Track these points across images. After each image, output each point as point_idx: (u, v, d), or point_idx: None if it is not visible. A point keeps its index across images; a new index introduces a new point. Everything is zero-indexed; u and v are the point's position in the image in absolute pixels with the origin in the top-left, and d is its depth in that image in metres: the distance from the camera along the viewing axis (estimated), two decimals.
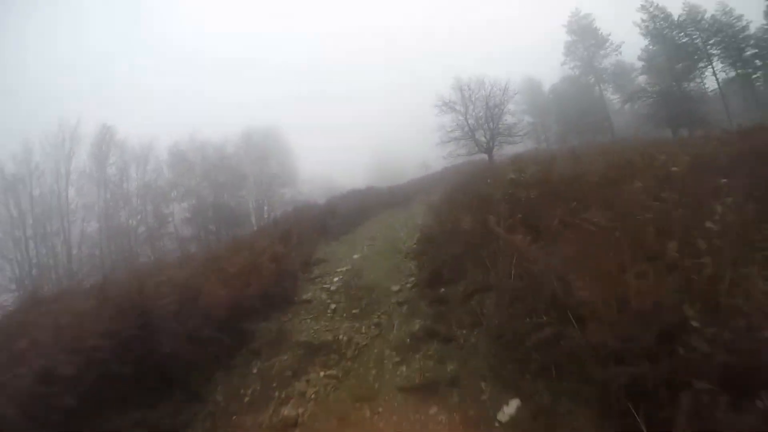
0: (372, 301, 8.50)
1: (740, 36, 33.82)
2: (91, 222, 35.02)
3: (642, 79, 38.15)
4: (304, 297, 9.60)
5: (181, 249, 35.86)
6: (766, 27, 33.39)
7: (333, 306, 8.85)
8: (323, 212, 19.53)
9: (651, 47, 37.40)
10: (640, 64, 38.49)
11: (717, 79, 35.33)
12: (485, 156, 23.46)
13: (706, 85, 35.10)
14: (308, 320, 8.33)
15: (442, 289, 7.56)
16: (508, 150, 22.94)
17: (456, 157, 23.79)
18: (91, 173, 35.36)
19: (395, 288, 8.82)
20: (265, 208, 38.62)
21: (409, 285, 8.82)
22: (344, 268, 11.43)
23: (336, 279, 10.64)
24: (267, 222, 35.40)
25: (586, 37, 39.18)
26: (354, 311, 8.29)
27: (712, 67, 34.87)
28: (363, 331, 7.28)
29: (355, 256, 12.65)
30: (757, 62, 33.68)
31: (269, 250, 12.58)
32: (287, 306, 9.11)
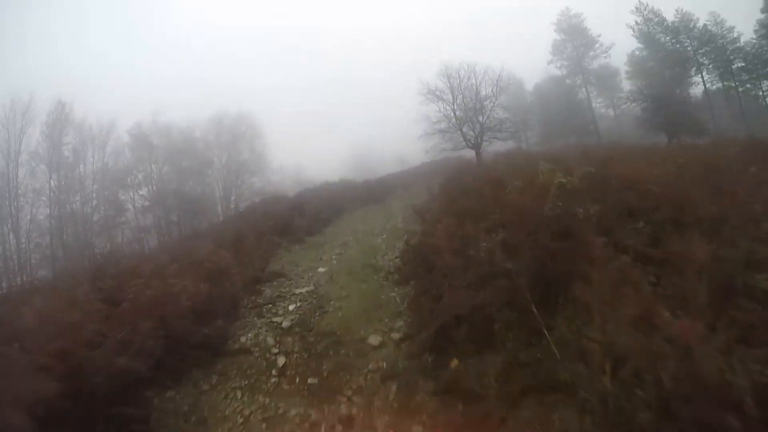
0: (340, 363, 5.20)
1: (730, 48, 31.78)
2: (40, 208, 30.66)
3: (627, 84, 35.85)
4: (243, 342, 6.28)
5: (140, 240, 31.97)
6: (754, 41, 31.45)
7: (281, 362, 5.57)
8: (289, 208, 16.10)
9: (638, 53, 35.10)
10: (625, 68, 36.20)
11: (706, 88, 33.31)
12: (463, 153, 20.51)
13: (692, 94, 32.91)
14: (239, 392, 5.04)
15: (456, 362, 4.36)
16: (487, 147, 19.94)
17: (441, 152, 20.62)
18: (43, 154, 31.04)
19: (375, 341, 5.54)
20: (233, 197, 34.77)
21: (396, 336, 5.57)
22: (304, 290, 8.14)
23: (292, 308, 7.34)
24: (233, 213, 31.68)
25: (575, 37, 36.29)
26: (311, 380, 5.01)
27: (702, 76, 32.73)
28: None
29: (321, 270, 9.34)
30: (744, 75, 31.77)
31: (211, 259, 9.22)
32: (213, 360, 5.78)
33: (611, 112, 37.78)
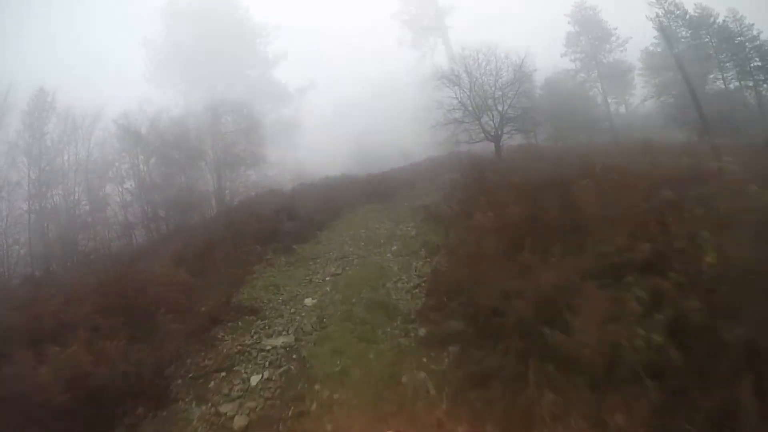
0: None
1: (749, 46, 28.96)
2: (18, 202, 27.73)
3: (640, 81, 33.16)
4: None
5: (127, 236, 29.02)
6: None
7: None
8: (278, 207, 13.05)
9: (652, 48, 32.38)
10: (639, 64, 33.44)
11: (725, 87, 30.51)
12: (470, 147, 17.46)
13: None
14: None
15: None
16: (507, 141, 16.68)
17: (455, 144, 17.60)
18: (23, 144, 28.29)
19: None
20: (227, 191, 31.75)
21: None
22: (280, 342, 5.19)
23: (255, 382, 4.40)
24: (227, 207, 28.60)
25: (590, 29, 33.27)
26: None
27: (722, 75, 29.89)
28: None
29: (309, 303, 6.38)
30: (760, 75, 28.94)
31: (156, 282, 6.29)
32: None
33: (622, 110, 34.71)
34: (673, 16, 30.56)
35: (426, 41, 20.39)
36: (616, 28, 33.09)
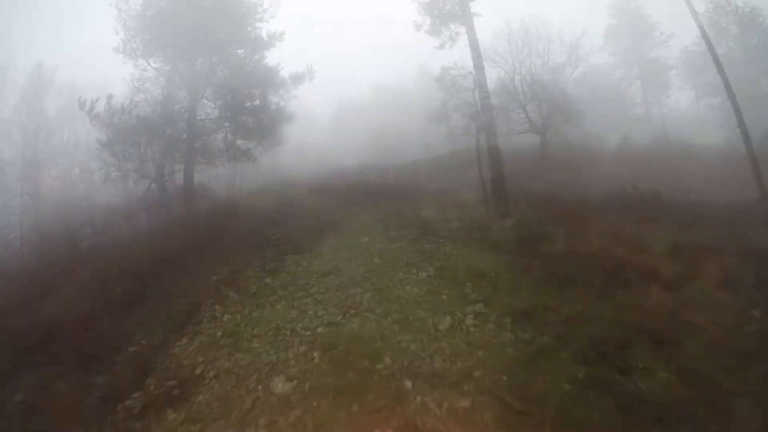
0: None
1: None
2: (11, 182, 25.58)
3: (677, 81, 30.08)
4: None
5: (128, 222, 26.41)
6: None
7: None
8: (276, 206, 10.14)
9: (693, 48, 29.16)
10: (679, 64, 30.23)
11: None
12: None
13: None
14: None
15: None
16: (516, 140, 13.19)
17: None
18: (19, 121, 26.23)
19: None
20: (237, 178, 29.13)
21: None
22: None
23: None
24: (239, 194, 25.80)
25: (632, 23, 29.93)
26: None
27: None
28: None
29: (279, 390, 3.52)
30: None
31: None
32: None
33: (657, 110, 31.30)
34: (724, 11, 27.06)
35: (447, 28, 17.52)
36: (660, 23, 29.73)
